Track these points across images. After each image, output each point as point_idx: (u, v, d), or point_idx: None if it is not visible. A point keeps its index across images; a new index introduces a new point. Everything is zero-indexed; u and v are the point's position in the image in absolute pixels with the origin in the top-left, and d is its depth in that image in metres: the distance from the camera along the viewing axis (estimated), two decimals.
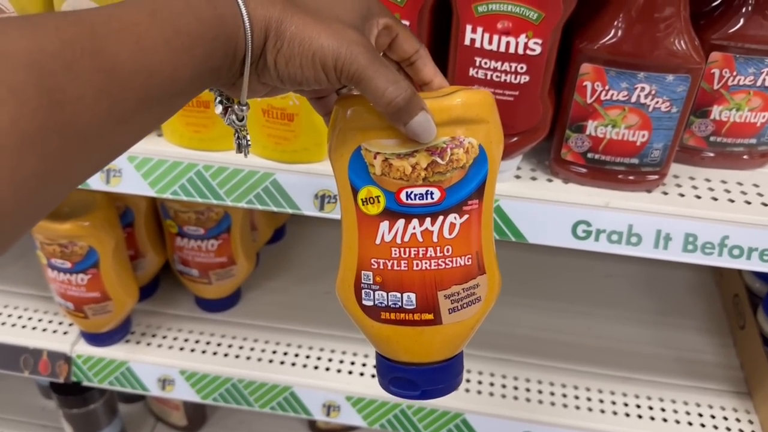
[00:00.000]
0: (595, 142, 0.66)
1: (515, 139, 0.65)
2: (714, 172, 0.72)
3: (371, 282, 0.44)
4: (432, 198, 0.43)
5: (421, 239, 0.43)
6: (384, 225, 0.43)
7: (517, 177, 0.70)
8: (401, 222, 0.43)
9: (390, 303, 0.44)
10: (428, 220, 0.43)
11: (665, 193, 0.68)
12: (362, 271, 0.45)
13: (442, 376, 0.46)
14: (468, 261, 0.44)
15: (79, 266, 0.86)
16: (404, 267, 0.43)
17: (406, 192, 0.43)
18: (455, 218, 0.43)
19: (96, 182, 0.74)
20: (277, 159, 0.71)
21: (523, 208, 0.68)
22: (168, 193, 0.73)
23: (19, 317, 1.00)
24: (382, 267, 0.44)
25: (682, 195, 0.68)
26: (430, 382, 0.46)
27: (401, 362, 0.46)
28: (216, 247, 0.94)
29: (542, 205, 0.67)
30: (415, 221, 0.43)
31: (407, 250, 0.43)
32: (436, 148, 0.42)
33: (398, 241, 0.43)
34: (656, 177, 0.67)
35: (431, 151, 0.42)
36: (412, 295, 0.44)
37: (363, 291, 0.45)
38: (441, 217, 0.43)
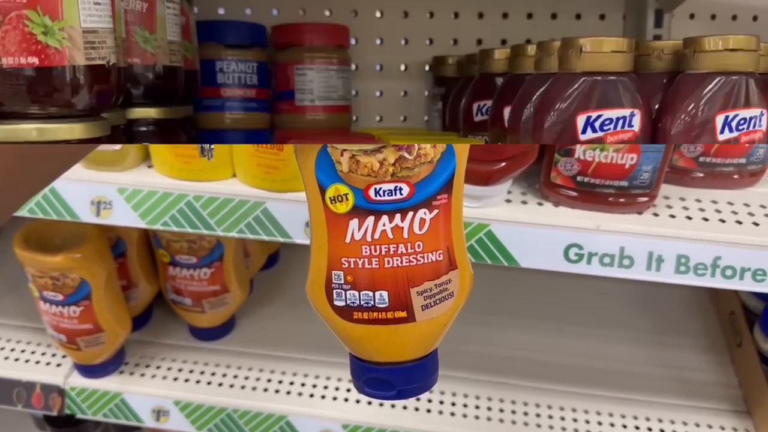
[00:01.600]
0: (584, 165, 0.66)
1: (504, 164, 0.65)
2: (704, 193, 0.72)
3: (342, 282, 0.44)
4: (401, 194, 0.42)
5: (391, 236, 0.42)
6: (353, 223, 0.43)
7: (508, 201, 0.70)
8: (371, 219, 0.42)
9: (362, 302, 0.43)
10: (398, 216, 0.42)
11: (656, 215, 0.68)
12: (333, 271, 0.44)
13: (417, 374, 0.46)
14: (439, 256, 0.43)
15: (71, 298, 0.85)
16: (375, 265, 0.43)
17: (375, 188, 0.42)
18: (425, 213, 0.43)
19: (86, 215, 0.73)
20: (268, 188, 0.71)
21: (515, 232, 0.67)
22: (159, 225, 0.72)
23: (12, 350, 0.99)
24: (353, 266, 0.43)
25: (673, 216, 0.68)
26: (406, 381, 0.45)
27: (375, 362, 0.45)
28: (209, 276, 0.94)
29: (533, 229, 0.67)
30: (384, 218, 0.42)
31: (378, 247, 0.43)
32: (403, 144, 0.42)
33: (368, 238, 0.43)
34: (646, 199, 0.67)
35: (398, 146, 0.42)
36: (385, 293, 0.43)
37: (334, 291, 0.44)
38: (411, 213, 0.42)
